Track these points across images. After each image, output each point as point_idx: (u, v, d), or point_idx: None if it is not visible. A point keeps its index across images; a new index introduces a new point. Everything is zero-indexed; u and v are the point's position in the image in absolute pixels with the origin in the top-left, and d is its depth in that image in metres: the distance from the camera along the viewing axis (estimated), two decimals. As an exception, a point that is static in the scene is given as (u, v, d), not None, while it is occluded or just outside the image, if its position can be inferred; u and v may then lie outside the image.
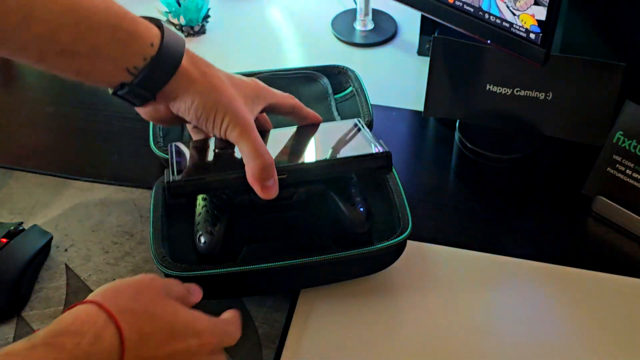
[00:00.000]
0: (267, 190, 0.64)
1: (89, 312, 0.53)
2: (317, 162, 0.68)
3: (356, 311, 0.73)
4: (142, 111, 0.68)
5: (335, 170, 0.68)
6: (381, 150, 0.68)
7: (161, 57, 0.62)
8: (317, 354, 0.69)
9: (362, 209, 0.69)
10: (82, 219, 0.81)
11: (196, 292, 0.64)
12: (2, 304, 0.71)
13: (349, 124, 0.75)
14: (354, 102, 0.85)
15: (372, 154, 0.68)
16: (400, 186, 0.75)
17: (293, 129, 0.74)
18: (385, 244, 0.69)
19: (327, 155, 0.68)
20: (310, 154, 0.70)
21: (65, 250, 0.78)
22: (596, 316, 0.73)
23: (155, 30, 0.63)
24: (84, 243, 0.79)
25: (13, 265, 0.73)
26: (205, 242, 0.67)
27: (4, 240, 0.74)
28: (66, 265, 0.77)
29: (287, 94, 0.73)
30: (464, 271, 0.77)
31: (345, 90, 0.88)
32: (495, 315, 0.73)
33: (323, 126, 0.75)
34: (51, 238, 0.78)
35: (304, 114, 0.73)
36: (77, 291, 0.74)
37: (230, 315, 0.63)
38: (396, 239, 0.70)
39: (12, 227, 0.76)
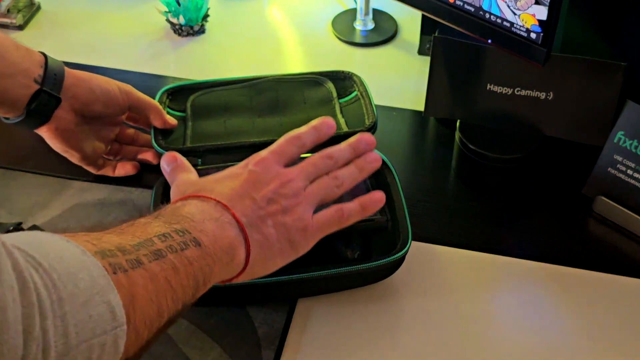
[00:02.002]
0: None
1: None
2: None
3: (355, 311, 0.73)
4: (51, 129, 0.77)
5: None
6: (380, 210, 0.71)
7: (49, 61, 0.75)
8: (317, 354, 0.69)
9: (357, 253, 0.72)
10: (81, 220, 0.81)
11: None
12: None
13: None
14: (359, 105, 0.85)
15: (372, 219, 0.71)
16: (403, 198, 0.75)
17: None
18: (384, 260, 0.70)
19: None
20: None
21: (65, 250, 0.78)
22: (596, 316, 0.73)
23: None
24: (84, 243, 0.79)
25: (12, 265, 0.73)
26: None
27: (3, 240, 0.74)
28: (65, 265, 0.76)
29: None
30: (463, 271, 0.77)
31: (350, 94, 0.88)
32: (495, 315, 0.73)
33: None
34: (50, 238, 0.77)
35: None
36: (76, 291, 0.74)
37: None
38: (394, 256, 0.70)
39: (11, 227, 0.76)
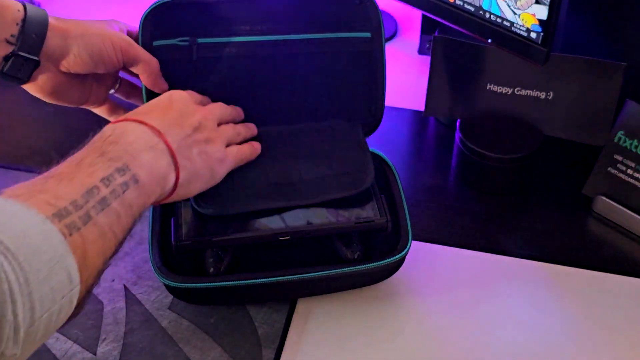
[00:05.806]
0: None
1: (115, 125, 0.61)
2: (318, 225, 0.70)
3: (355, 311, 0.73)
4: (36, 87, 0.71)
5: (335, 231, 0.71)
6: (379, 211, 0.71)
7: (30, 17, 0.67)
8: (317, 354, 0.69)
9: (357, 254, 0.72)
10: (81, 219, 0.81)
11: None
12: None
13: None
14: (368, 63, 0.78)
15: (372, 220, 0.71)
16: (404, 198, 0.75)
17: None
18: (384, 262, 0.70)
19: (328, 215, 0.71)
20: (312, 211, 0.71)
21: (65, 250, 0.78)
22: (596, 316, 0.73)
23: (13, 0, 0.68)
24: (84, 243, 0.78)
25: (12, 265, 0.72)
26: (213, 271, 0.70)
27: (4, 240, 0.74)
28: (66, 265, 0.76)
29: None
30: (463, 271, 0.77)
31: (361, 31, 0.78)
32: (495, 314, 0.73)
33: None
34: (51, 238, 0.77)
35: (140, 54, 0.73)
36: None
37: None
38: (394, 257, 0.70)
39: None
